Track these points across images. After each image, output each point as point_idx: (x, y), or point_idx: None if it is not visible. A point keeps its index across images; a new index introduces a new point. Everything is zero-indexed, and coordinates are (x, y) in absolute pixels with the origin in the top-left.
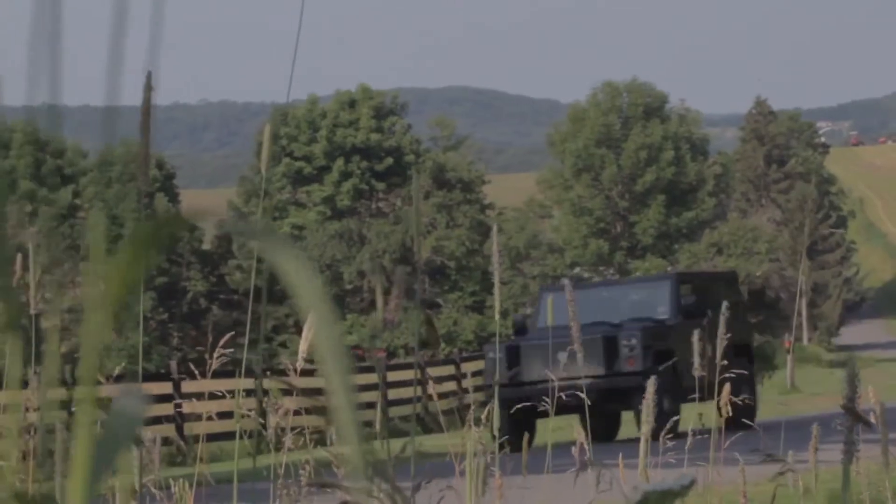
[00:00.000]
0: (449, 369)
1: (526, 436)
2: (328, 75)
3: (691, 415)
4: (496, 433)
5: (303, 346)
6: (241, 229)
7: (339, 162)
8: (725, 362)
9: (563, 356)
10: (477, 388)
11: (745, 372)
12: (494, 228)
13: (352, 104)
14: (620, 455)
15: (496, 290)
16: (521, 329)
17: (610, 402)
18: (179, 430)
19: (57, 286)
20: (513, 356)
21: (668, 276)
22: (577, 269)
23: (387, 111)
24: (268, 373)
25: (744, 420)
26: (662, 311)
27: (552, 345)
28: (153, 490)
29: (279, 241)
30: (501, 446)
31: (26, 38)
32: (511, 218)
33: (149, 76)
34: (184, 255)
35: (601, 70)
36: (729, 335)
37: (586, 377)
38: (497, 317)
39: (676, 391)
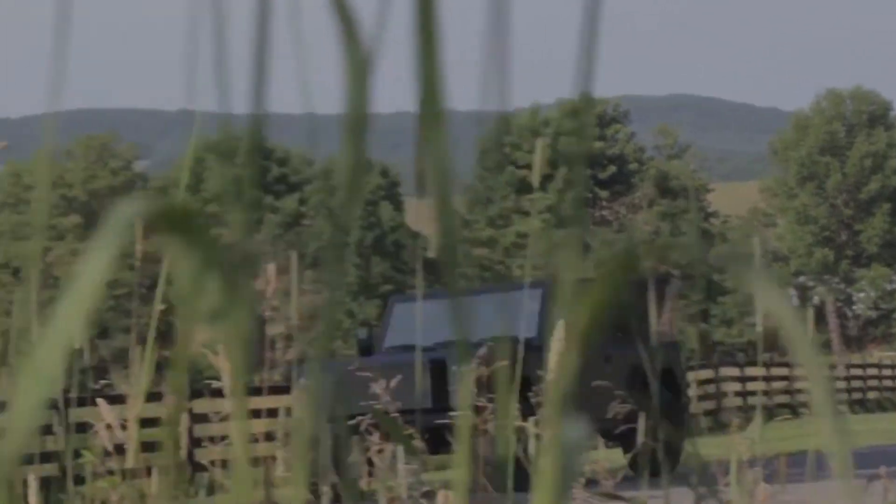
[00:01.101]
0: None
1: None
2: (552, 83)
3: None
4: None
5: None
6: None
7: (563, 170)
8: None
9: (380, 386)
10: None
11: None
12: (755, 241)
13: (574, 112)
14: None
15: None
16: (365, 349)
17: (441, 445)
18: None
19: (283, 294)
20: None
21: (540, 283)
22: (801, 278)
23: (609, 119)
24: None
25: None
26: (529, 329)
27: (384, 370)
28: (405, 496)
29: (752, 268)
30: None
31: (479, 44)
32: (735, 226)
33: None
34: (408, 263)
35: (823, 77)
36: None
37: (405, 411)
38: (759, 328)
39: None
